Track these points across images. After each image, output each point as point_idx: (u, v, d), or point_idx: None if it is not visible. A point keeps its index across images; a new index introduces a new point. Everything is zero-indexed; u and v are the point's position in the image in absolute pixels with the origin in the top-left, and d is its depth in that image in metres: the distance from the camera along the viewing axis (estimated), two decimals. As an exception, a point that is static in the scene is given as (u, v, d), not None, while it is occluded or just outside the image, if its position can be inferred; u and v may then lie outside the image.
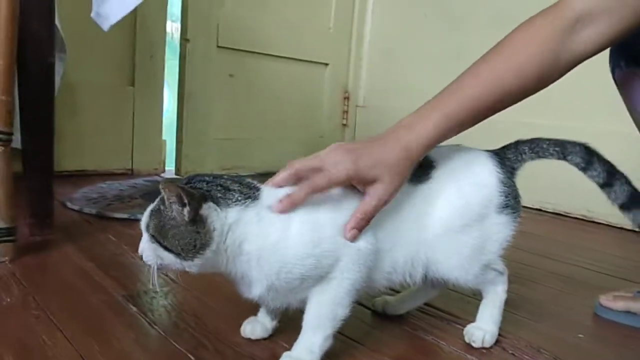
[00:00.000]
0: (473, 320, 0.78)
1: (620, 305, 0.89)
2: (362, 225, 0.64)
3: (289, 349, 0.65)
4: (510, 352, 0.75)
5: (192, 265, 0.60)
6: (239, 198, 0.62)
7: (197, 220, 0.59)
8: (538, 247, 1.35)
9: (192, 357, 0.66)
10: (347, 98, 2.50)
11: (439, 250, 0.71)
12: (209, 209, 0.60)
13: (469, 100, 0.68)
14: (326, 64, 2.38)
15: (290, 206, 0.62)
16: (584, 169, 0.76)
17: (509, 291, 0.78)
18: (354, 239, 0.64)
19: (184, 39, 1.85)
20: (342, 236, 0.63)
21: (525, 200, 0.75)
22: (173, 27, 2.18)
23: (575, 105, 1.72)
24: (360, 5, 2.45)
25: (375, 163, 0.64)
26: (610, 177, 0.76)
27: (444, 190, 0.70)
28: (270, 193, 0.64)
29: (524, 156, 0.76)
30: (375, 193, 0.64)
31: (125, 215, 1.27)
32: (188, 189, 0.59)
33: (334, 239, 0.63)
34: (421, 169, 0.70)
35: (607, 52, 0.83)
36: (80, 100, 1.73)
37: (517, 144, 0.78)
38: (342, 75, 2.47)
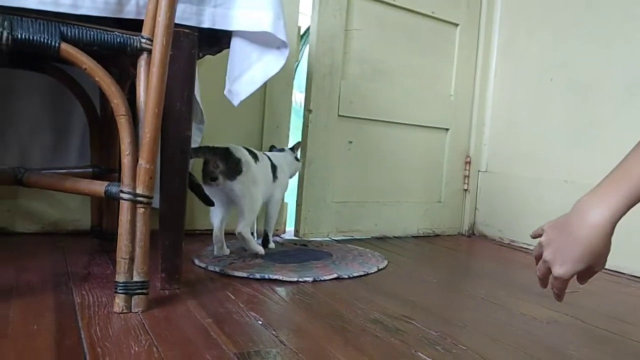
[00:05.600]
0: None
1: None
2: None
3: None
4: None
5: None
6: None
7: None
8: None
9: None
10: (468, 163, 2.45)
11: None
12: None
13: None
14: (447, 129, 2.38)
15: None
16: None
17: None
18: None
19: (307, 110, 1.98)
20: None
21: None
22: (302, 98, 2.34)
23: None
24: (483, 71, 2.44)
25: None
26: None
27: None
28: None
29: None
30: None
31: (244, 274, 1.35)
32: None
33: None
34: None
35: None
36: (214, 165, 1.91)
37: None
38: (464, 139, 2.44)
